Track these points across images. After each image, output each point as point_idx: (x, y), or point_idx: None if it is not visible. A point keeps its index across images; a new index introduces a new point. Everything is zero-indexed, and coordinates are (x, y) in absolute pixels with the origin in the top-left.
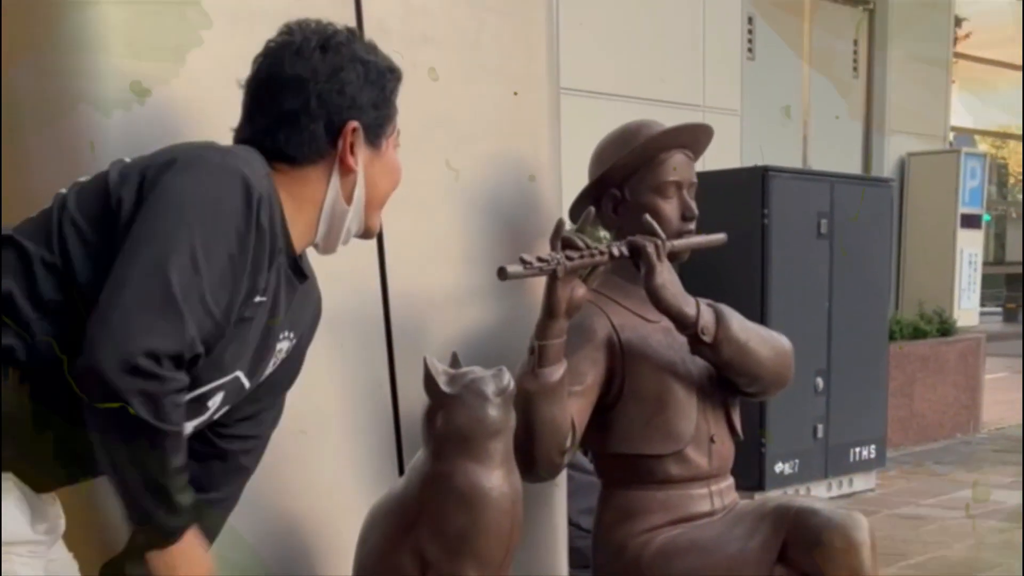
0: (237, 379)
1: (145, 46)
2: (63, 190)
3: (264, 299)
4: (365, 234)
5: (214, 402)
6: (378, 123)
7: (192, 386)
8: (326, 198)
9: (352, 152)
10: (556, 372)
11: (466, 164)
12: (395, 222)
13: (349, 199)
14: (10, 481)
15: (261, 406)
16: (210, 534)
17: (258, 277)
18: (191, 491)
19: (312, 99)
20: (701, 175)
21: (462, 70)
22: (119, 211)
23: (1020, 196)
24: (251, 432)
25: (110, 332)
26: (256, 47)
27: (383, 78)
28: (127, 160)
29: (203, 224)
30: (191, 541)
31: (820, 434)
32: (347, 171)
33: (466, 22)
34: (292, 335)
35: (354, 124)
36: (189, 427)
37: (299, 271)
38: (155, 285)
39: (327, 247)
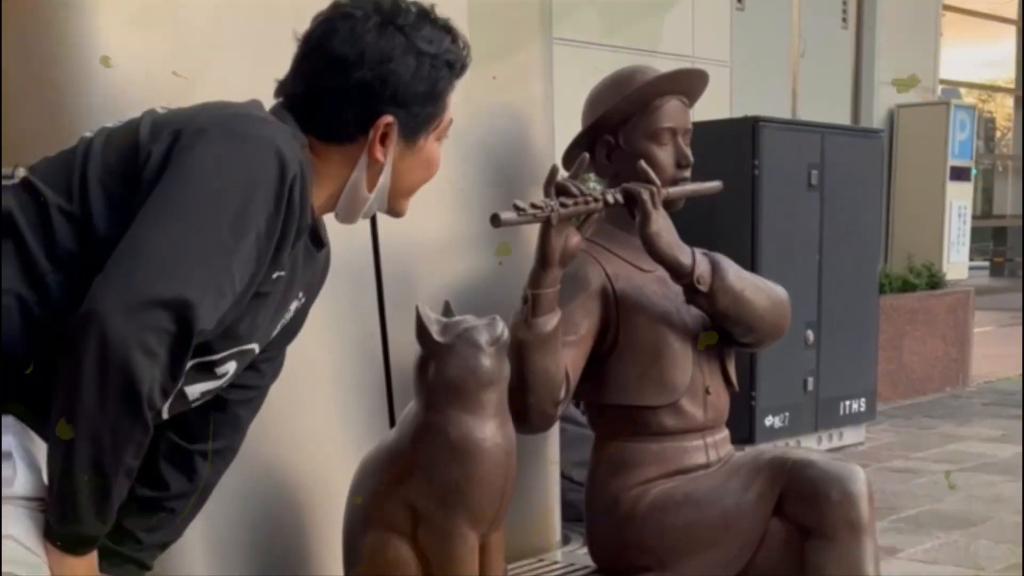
0: (251, 349)
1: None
2: (88, 133)
3: (283, 274)
4: (390, 214)
5: (225, 370)
6: (419, 121)
7: (204, 353)
8: (348, 182)
9: (383, 144)
10: (550, 322)
11: (458, 111)
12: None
13: (372, 187)
14: (20, 426)
15: (264, 356)
16: (208, 487)
17: (281, 255)
18: (115, 511)
19: (352, 84)
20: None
21: (452, 15)
22: (145, 167)
23: (1007, 149)
24: (251, 383)
25: (119, 284)
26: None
27: (437, 73)
28: (160, 111)
29: (234, 200)
30: (94, 557)
31: (810, 387)
32: (374, 161)
33: None
34: (303, 296)
35: (388, 119)
36: (197, 391)
37: (318, 240)
38: (176, 251)
39: (345, 220)
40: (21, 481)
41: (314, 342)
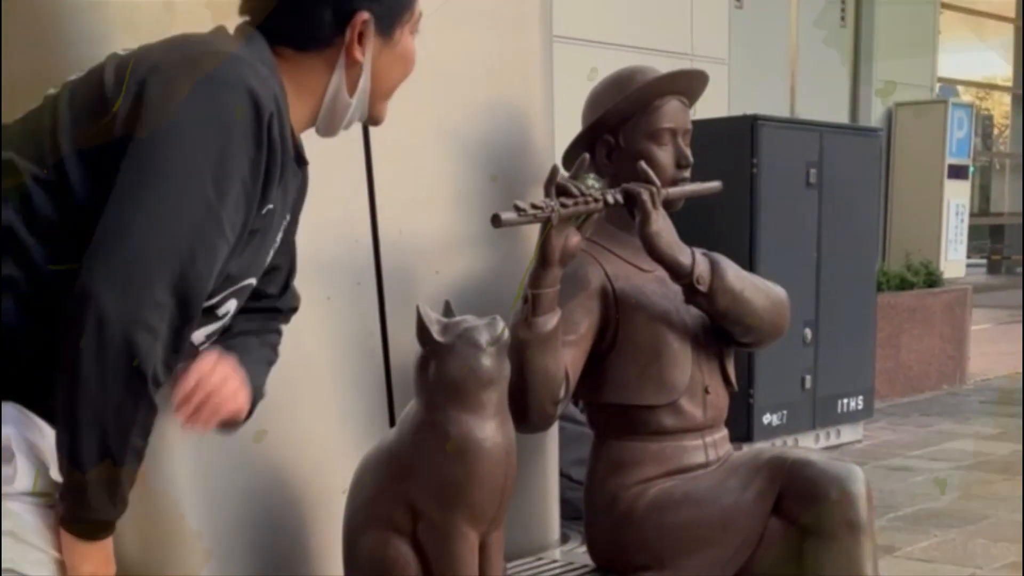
0: (249, 285)
1: None
2: (52, 90)
3: (272, 207)
4: (370, 122)
5: (226, 309)
6: (393, 11)
7: (208, 297)
8: (328, 88)
9: (360, 43)
10: (550, 321)
11: (459, 110)
12: (386, 169)
13: (353, 90)
14: (24, 416)
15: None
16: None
17: (269, 191)
18: (128, 494)
19: None
20: None
21: (452, 16)
22: (115, 122)
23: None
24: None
25: (110, 261)
26: None
27: None
28: (121, 53)
29: (212, 152)
30: (109, 544)
31: (808, 385)
32: (352, 63)
33: None
34: (288, 217)
35: (364, 15)
36: (201, 335)
37: (300, 158)
38: (163, 219)
39: (327, 132)
40: (21, 476)
41: (314, 341)
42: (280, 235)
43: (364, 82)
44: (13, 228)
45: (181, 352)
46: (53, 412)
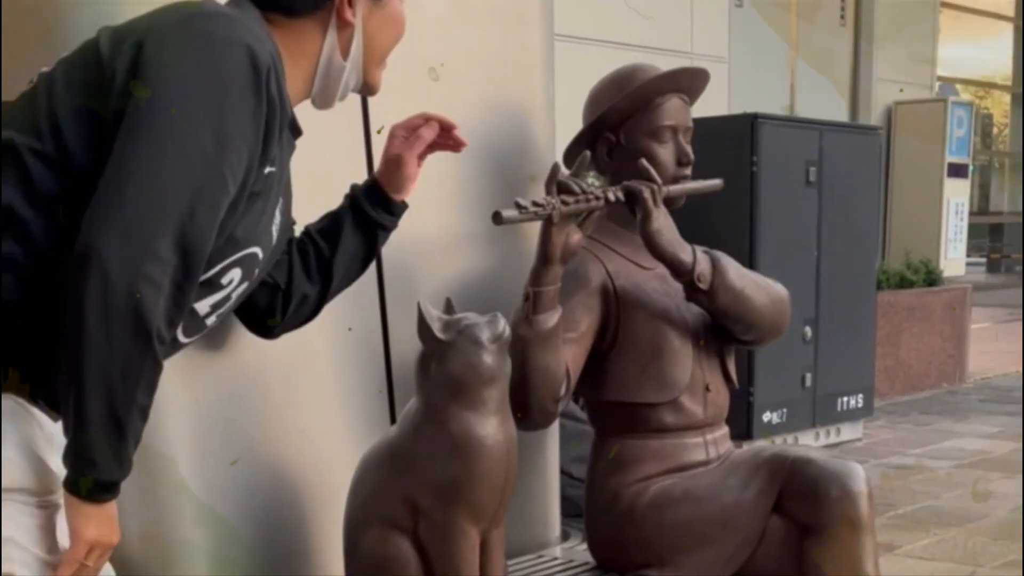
0: (253, 253)
1: None
2: (45, 68)
3: (273, 169)
4: (366, 90)
5: (229, 279)
6: None
7: (209, 265)
8: (322, 53)
9: (350, 4)
10: (551, 319)
11: (460, 108)
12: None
13: (346, 54)
14: (25, 411)
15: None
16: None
17: (269, 150)
18: (132, 455)
19: None
20: None
21: (454, 13)
22: (113, 85)
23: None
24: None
25: (112, 217)
26: None
27: None
28: (114, 25)
29: (210, 105)
30: (113, 509)
31: (808, 383)
32: (344, 24)
33: None
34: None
35: None
36: (206, 306)
37: (295, 127)
38: (162, 173)
39: (323, 103)
40: (14, 473)
41: (316, 339)
42: (280, 215)
43: (357, 44)
44: (12, 204)
45: (183, 309)
46: (54, 388)
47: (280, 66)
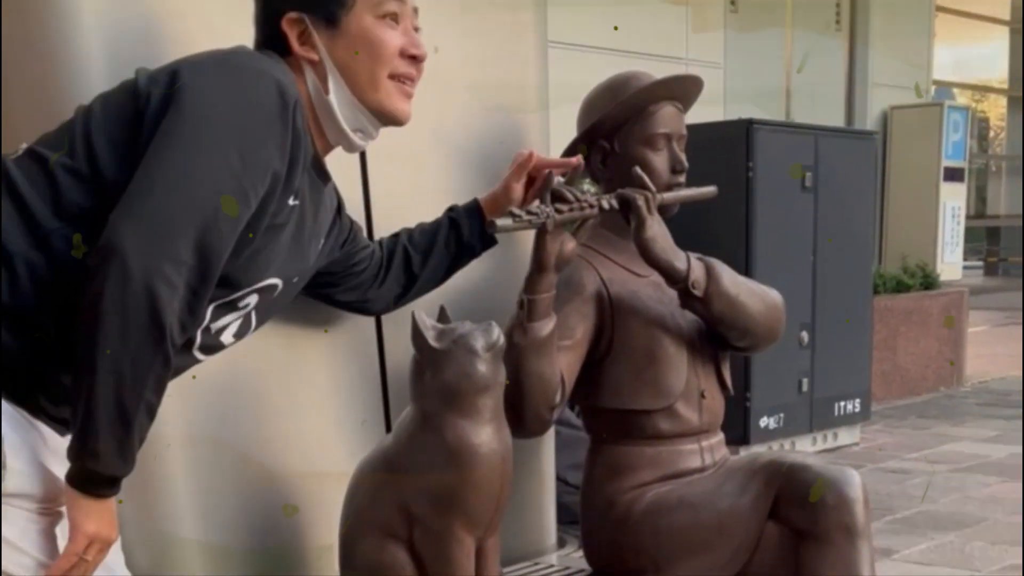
0: (272, 284)
1: None
2: (84, 102)
3: (297, 203)
4: (385, 120)
5: (246, 302)
6: (326, 2)
7: (226, 289)
8: (310, 93)
9: (305, 42)
10: (545, 327)
11: (453, 116)
12: (381, 173)
13: (327, 89)
14: (27, 422)
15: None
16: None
17: (292, 181)
18: (135, 453)
19: (259, 2)
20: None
21: (447, 21)
22: (147, 109)
23: (1000, 149)
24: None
25: (136, 217)
26: None
27: None
28: (152, 69)
29: (239, 124)
30: (113, 505)
31: (805, 388)
32: (310, 63)
33: None
34: (321, 238)
35: (291, 15)
36: (221, 324)
37: (322, 172)
38: (187, 181)
39: (345, 145)
40: (18, 480)
41: (311, 347)
42: (316, 250)
43: (333, 78)
44: (38, 214)
45: (196, 315)
46: (62, 398)
47: (303, 106)
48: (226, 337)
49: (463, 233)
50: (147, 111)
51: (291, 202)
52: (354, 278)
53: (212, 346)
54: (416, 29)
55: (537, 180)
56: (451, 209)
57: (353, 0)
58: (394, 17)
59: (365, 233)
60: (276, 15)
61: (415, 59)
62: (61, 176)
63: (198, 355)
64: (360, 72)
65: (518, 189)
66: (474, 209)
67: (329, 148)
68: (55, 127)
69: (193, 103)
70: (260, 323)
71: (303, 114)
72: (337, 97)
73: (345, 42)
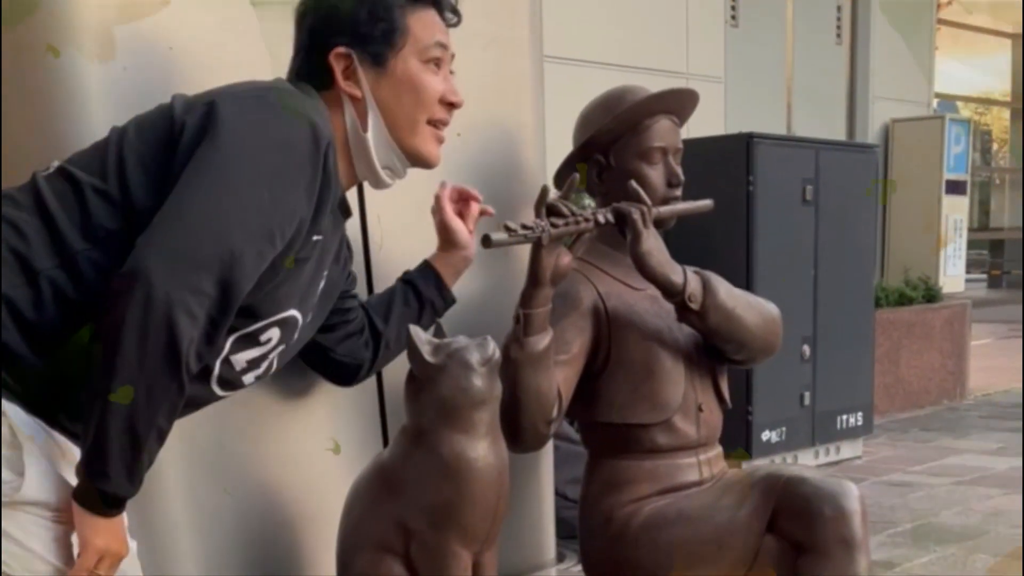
0: (292, 316)
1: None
2: (118, 124)
3: (320, 238)
4: (416, 162)
5: (268, 336)
6: (375, 40)
7: (247, 320)
8: (347, 128)
9: (350, 78)
10: (542, 341)
11: (449, 131)
12: (376, 193)
13: (366, 127)
14: (46, 433)
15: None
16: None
17: (320, 219)
18: (144, 475)
19: (305, 33)
20: (686, 142)
21: None
22: (181, 136)
23: (1003, 162)
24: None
25: (162, 244)
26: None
27: None
28: (189, 95)
29: (271, 162)
30: (122, 521)
31: (807, 402)
32: (352, 99)
33: None
34: (326, 273)
35: (339, 49)
36: (243, 360)
37: (345, 207)
38: (216, 213)
39: (373, 181)
40: (35, 487)
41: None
42: (324, 279)
43: (373, 116)
44: (66, 235)
45: (214, 345)
46: (78, 413)
47: (335, 145)
48: (248, 378)
49: (420, 289)
50: (182, 140)
51: (315, 238)
52: (347, 326)
53: (231, 381)
54: (451, 73)
55: (464, 211)
56: (403, 274)
57: (403, 42)
58: (437, 63)
59: (363, 259)
60: (324, 48)
61: (452, 106)
62: (91, 198)
63: (216, 389)
64: (401, 114)
65: (454, 219)
66: (425, 267)
67: (354, 183)
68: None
69: (228, 138)
70: (280, 365)
71: (334, 154)
72: (374, 135)
73: (390, 83)
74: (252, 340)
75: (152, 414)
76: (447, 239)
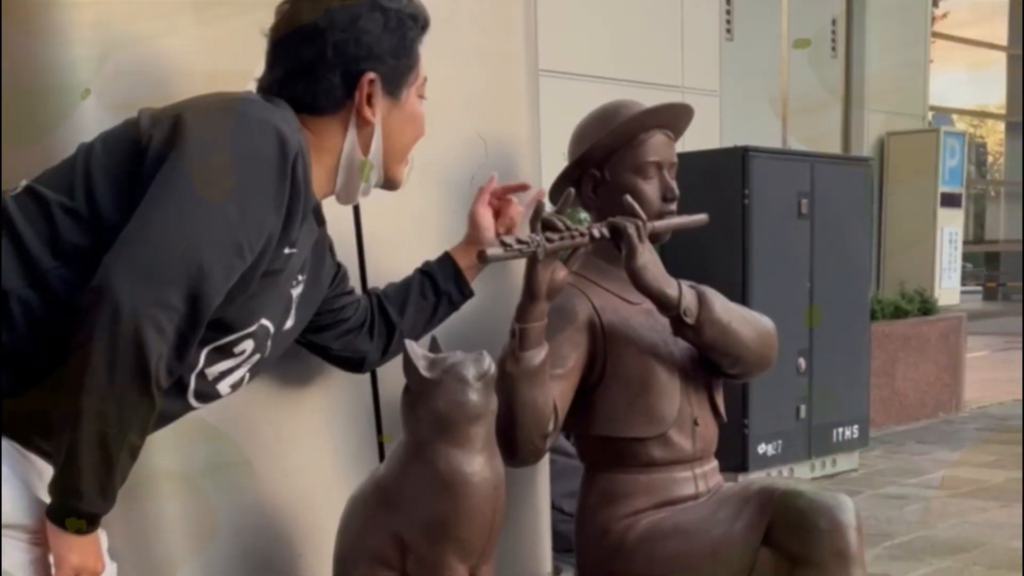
0: (264, 327)
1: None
2: (85, 140)
3: (294, 251)
4: (388, 186)
5: (242, 348)
6: (398, 73)
7: (220, 333)
8: (343, 149)
9: (370, 103)
10: (538, 355)
11: (445, 145)
12: (373, 204)
13: (367, 151)
14: (21, 455)
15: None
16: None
17: (291, 232)
18: (117, 491)
19: (328, 49)
20: (680, 156)
21: (437, 49)
22: (148, 150)
23: (999, 175)
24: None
25: (130, 260)
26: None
27: (404, 26)
28: (155, 108)
29: (238, 175)
30: (96, 538)
31: (803, 415)
32: (364, 123)
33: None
34: (302, 278)
35: (371, 75)
36: (216, 371)
37: (319, 217)
38: (183, 228)
39: (346, 198)
40: (11, 510)
41: (304, 377)
42: (298, 297)
43: (377, 142)
44: (35, 253)
45: (183, 360)
46: (51, 432)
47: (307, 155)
48: (223, 387)
49: (438, 281)
50: (148, 154)
51: (287, 251)
52: (343, 324)
53: (207, 394)
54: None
55: (503, 208)
56: (423, 264)
57: (414, 78)
58: (422, 95)
59: (358, 269)
60: (356, 71)
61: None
62: (59, 216)
63: (193, 402)
64: (399, 144)
65: (485, 215)
66: (445, 259)
67: (329, 194)
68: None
69: (194, 152)
70: (254, 375)
71: (305, 164)
72: (372, 160)
73: (399, 114)
74: (226, 352)
75: (123, 430)
76: (474, 233)
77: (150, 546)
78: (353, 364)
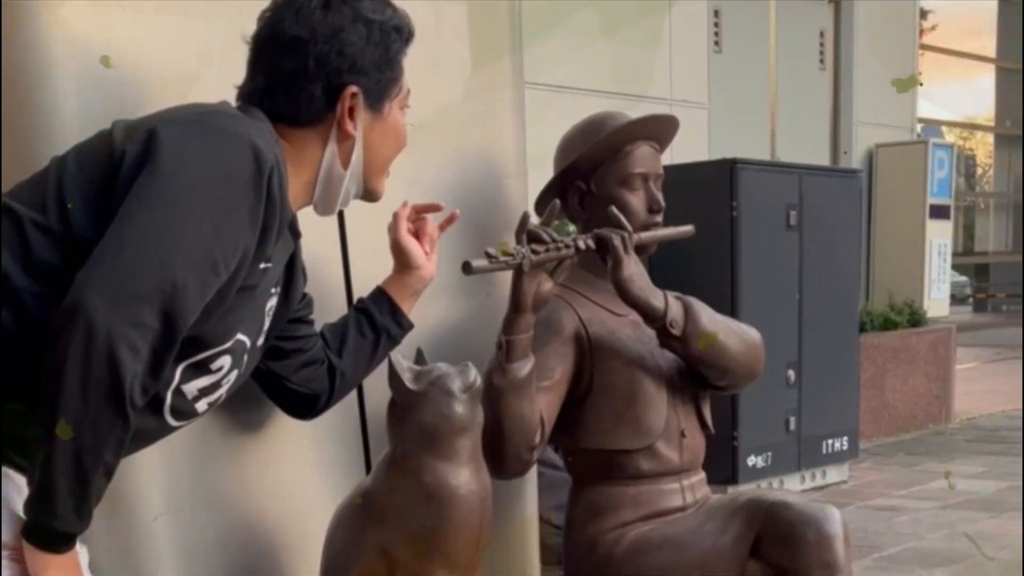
0: (240, 342)
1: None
2: (58, 153)
3: (269, 266)
4: (367, 197)
5: (219, 365)
6: (380, 86)
7: (196, 349)
8: (322, 162)
9: (351, 117)
10: (524, 367)
11: (430, 158)
12: (358, 216)
13: (346, 164)
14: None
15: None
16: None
17: (266, 247)
18: (93, 510)
19: (310, 61)
20: (669, 169)
21: (422, 62)
22: (121, 164)
23: (988, 186)
24: (300, 347)
25: (103, 278)
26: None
27: (388, 38)
28: (130, 120)
29: (213, 191)
30: (74, 556)
31: (792, 427)
32: (345, 136)
33: (425, 13)
34: (275, 290)
35: (353, 88)
36: (194, 388)
37: (295, 231)
38: (157, 245)
39: (324, 210)
40: None
41: None
42: (272, 309)
43: (357, 155)
44: (8, 271)
45: (158, 378)
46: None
47: (283, 168)
48: (200, 405)
49: (374, 316)
50: (122, 168)
51: (262, 266)
52: (303, 354)
53: (185, 411)
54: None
55: (420, 228)
56: (357, 300)
57: (397, 91)
58: (405, 107)
59: (343, 289)
60: (339, 84)
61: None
62: (32, 233)
63: (170, 419)
64: (379, 157)
65: (409, 239)
66: (378, 293)
67: (306, 205)
68: (27, 176)
69: (168, 166)
70: (232, 391)
71: (281, 178)
72: (352, 173)
73: (381, 128)
74: (203, 368)
75: (98, 450)
76: (401, 260)
77: (134, 562)
78: (306, 402)
